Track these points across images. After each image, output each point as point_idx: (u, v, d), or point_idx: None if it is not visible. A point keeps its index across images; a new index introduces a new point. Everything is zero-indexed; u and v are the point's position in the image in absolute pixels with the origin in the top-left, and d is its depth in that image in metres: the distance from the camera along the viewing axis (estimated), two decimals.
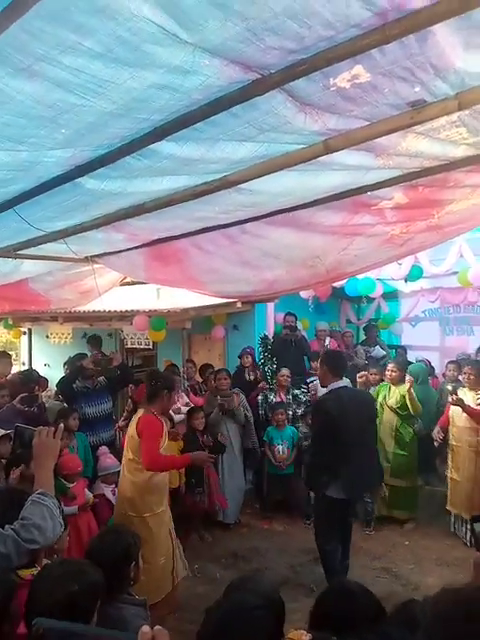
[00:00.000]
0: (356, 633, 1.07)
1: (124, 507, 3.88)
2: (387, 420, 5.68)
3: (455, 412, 5.34)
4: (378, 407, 5.61)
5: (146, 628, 0.95)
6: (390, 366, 5.84)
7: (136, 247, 3.77)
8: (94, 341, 7.09)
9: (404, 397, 5.56)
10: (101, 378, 5.56)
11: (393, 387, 5.72)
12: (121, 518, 3.83)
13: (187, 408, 5.74)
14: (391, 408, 5.65)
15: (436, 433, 5.56)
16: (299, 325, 7.62)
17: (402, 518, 5.68)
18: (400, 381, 5.77)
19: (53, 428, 2.16)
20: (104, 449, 4.91)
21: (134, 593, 2.47)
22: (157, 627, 0.98)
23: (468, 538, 5.12)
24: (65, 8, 1.30)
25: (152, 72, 1.59)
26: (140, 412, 4.01)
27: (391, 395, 5.69)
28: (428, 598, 1.36)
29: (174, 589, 3.97)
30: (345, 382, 4.27)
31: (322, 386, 4.46)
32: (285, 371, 6.37)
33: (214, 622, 1.53)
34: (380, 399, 5.73)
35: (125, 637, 0.96)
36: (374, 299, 8.51)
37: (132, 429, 3.91)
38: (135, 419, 3.97)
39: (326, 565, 4.27)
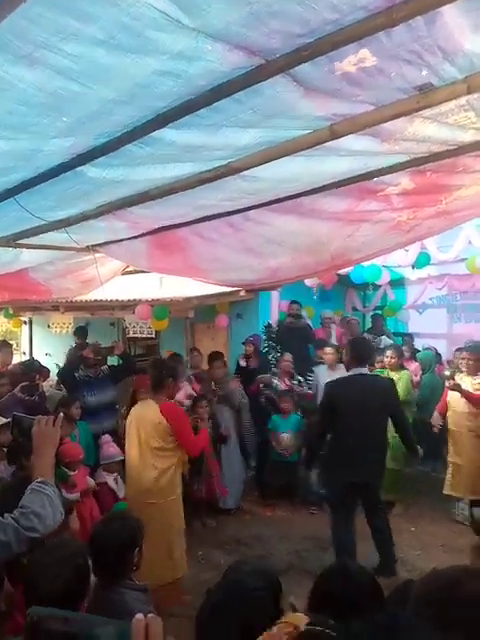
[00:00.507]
0: (358, 615, 1.08)
1: (144, 496, 3.88)
2: None
3: (453, 397, 5.38)
4: None
5: (140, 616, 0.96)
6: (389, 352, 5.89)
7: (138, 236, 3.76)
8: (80, 332, 7.12)
9: (399, 380, 5.59)
10: (104, 367, 5.57)
11: (391, 372, 5.73)
12: (141, 506, 3.76)
13: (189, 400, 5.73)
14: None
15: (435, 418, 5.58)
16: (304, 313, 7.60)
17: (389, 500, 5.66)
18: (399, 367, 5.82)
19: (52, 417, 2.14)
20: (107, 437, 4.92)
21: (135, 578, 2.50)
22: (150, 615, 0.99)
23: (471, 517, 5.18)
24: None
25: (155, 58, 1.57)
26: (149, 402, 4.01)
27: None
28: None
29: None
30: (364, 369, 4.34)
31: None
32: (288, 356, 6.37)
33: (213, 603, 1.54)
34: None
35: (118, 624, 0.96)
36: (380, 286, 8.45)
37: (154, 417, 3.89)
38: (149, 407, 3.97)
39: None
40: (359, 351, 4.39)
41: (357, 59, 1.64)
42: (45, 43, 1.45)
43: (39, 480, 1.98)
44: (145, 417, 3.97)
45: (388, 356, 5.87)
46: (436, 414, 5.60)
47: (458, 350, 6.81)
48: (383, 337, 7.96)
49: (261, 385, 6.28)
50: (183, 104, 1.85)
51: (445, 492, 5.47)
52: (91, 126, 1.96)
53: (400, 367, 5.92)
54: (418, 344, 7.95)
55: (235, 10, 1.38)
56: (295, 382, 6.35)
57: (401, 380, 5.70)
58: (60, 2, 1.30)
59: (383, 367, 5.98)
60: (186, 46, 1.52)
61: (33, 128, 1.94)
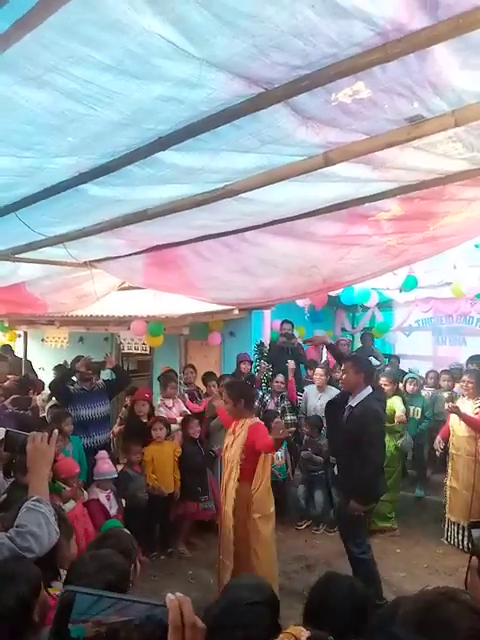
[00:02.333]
0: (356, 632, 1.10)
1: (245, 512, 4.00)
2: None
3: (454, 421, 5.39)
4: None
5: (171, 595, 0.92)
6: (383, 379, 5.87)
7: (135, 253, 3.81)
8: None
9: (393, 411, 5.61)
10: (99, 381, 5.59)
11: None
12: (245, 521, 3.98)
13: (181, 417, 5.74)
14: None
15: (437, 443, 5.59)
16: (295, 333, 7.67)
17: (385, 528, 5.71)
18: (392, 394, 5.82)
19: (47, 433, 2.13)
20: (103, 454, 4.89)
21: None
22: (179, 594, 0.95)
23: (465, 544, 5.17)
24: (78, 22, 1.34)
25: (159, 84, 1.64)
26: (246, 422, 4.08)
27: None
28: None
29: None
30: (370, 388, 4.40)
31: (348, 390, 4.46)
32: (280, 377, 6.42)
33: (213, 617, 1.55)
34: None
35: (154, 603, 0.94)
36: (369, 308, 8.59)
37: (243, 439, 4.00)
38: (244, 429, 4.04)
39: (375, 576, 4.22)
40: (369, 370, 4.47)
41: (352, 91, 1.73)
42: (54, 67, 1.51)
43: (34, 498, 1.97)
44: (240, 439, 4.04)
45: (383, 383, 5.80)
46: (438, 438, 5.61)
47: (444, 372, 6.92)
48: (370, 358, 8.03)
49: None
50: (185, 128, 1.92)
51: (446, 515, 5.46)
52: (95, 146, 2.03)
53: (394, 393, 5.89)
54: (404, 366, 8.05)
55: (239, 42, 1.45)
56: (283, 404, 6.39)
57: (395, 404, 5.71)
58: (72, 29, 1.37)
59: None
60: (190, 74, 1.60)
61: (38, 146, 2.00)
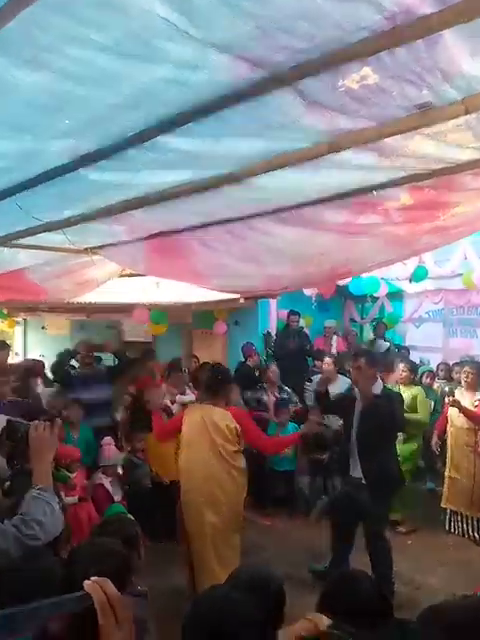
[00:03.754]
0: (373, 622, 1.10)
1: (239, 494, 4.10)
2: None
3: (453, 412, 5.38)
4: None
5: (88, 582, 0.94)
6: (402, 366, 5.81)
7: (137, 239, 3.77)
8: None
9: (415, 398, 5.56)
10: (101, 366, 5.62)
11: (404, 388, 5.68)
12: (238, 506, 4.11)
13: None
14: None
15: (434, 444, 5.57)
16: (302, 322, 7.62)
17: (399, 519, 5.69)
18: (410, 382, 5.76)
19: (49, 422, 2.13)
20: (108, 440, 4.94)
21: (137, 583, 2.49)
22: (95, 577, 0.97)
23: (471, 534, 5.24)
24: (74, 1, 1.30)
25: (160, 66, 1.59)
26: (211, 408, 4.06)
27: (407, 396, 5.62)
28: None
29: None
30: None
31: (363, 389, 4.37)
32: (273, 367, 6.36)
33: (193, 611, 1.55)
34: None
35: (71, 596, 0.93)
36: (378, 298, 8.51)
37: (227, 422, 3.98)
38: (216, 413, 4.02)
39: (389, 561, 4.31)
40: (379, 364, 4.60)
41: (360, 76, 1.67)
42: (51, 47, 1.47)
43: (39, 487, 1.96)
44: (217, 423, 3.98)
45: (401, 370, 5.74)
46: (435, 439, 5.59)
47: (457, 364, 6.85)
48: (379, 340, 7.96)
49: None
50: (187, 111, 1.88)
51: (442, 505, 5.49)
52: (94, 130, 1.99)
53: (411, 382, 5.81)
54: (414, 357, 7.98)
55: (242, 24, 1.40)
56: (285, 395, 6.36)
57: (417, 399, 5.63)
58: (68, 8, 1.32)
59: (396, 383, 5.85)
60: (192, 56, 1.55)
61: (36, 129, 1.97)
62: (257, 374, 6.76)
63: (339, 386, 5.60)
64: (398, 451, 5.45)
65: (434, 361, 7.68)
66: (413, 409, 5.57)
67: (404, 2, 1.33)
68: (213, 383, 4.14)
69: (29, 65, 1.53)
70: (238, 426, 3.99)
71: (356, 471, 4.38)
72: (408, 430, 5.54)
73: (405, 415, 5.41)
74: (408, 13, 1.37)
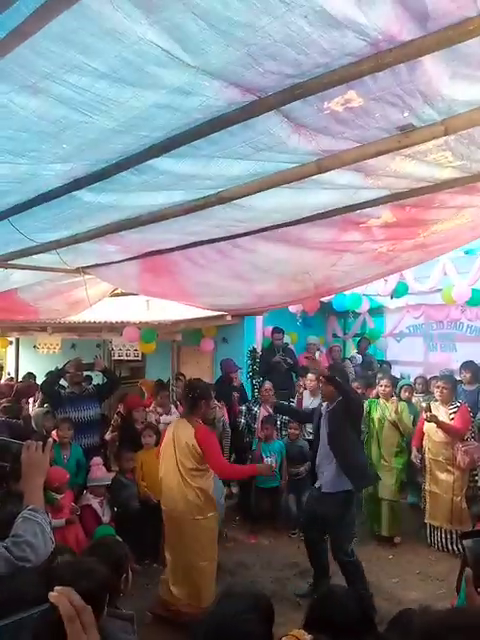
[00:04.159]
0: (357, 638, 1.12)
1: (191, 513, 3.98)
2: (388, 436, 5.67)
3: (430, 427, 5.39)
4: (375, 423, 5.69)
5: (53, 593, 0.99)
6: (383, 382, 5.86)
7: (128, 259, 3.81)
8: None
9: (401, 413, 5.64)
10: (90, 386, 5.61)
11: (387, 403, 5.75)
12: (186, 525, 3.98)
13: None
14: (392, 423, 5.65)
15: (414, 457, 5.59)
16: (287, 339, 7.69)
17: (391, 534, 5.71)
18: (392, 397, 5.83)
19: (41, 442, 2.12)
20: (97, 460, 4.91)
21: (121, 607, 2.46)
22: (59, 587, 1.01)
23: (452, 549, 5.21)
24: (73, 30, 1.35)
25: (154, 92, 1.66)
26: (185, 423, 4.09)
27: (390, 410, 5.69)
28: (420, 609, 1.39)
29: None
30: None
31: (328, 400, 4.53)
32: (268, 385, 6.41)
33: (205, 630, 1.55)
34: (376, 415, 5.73)
35: (35, 611, 0.98)
36: (360, 314, 8.64)
37: (187, 439, 4.00)
38: (185, 429, 4.05)
39: (361, 576, 4.29)
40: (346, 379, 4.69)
41: (344, 100, 1.75)
42: (50, 74, 1.52)
43: (30, 508, 1.95)
44: (181, 438, 4.04)
45: (382, 385, 5.79)
46: (414, 451, 5.59)
47: (433, 378, 6.95)
48: (355, 355, 8.04)
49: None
50: (179, 135, 1.94)
51: (425, 520, 5.50)
52: (90, 153, 2.04)
53: (393, 396, 5.89)
54: (395, 372, 8.08)
55: (233, 51, 1.48)
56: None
57: (403, 413, 5.70)
58: (67, 37, 1.38)
59: (377, 397, 5.91)
60: (185, 82, 1.62)
61: (32, 154, 2.01)
62: (240, 393, 6.80)
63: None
64: (393, 464, 5.62)
65: (415, 375, 7.79)
66: (402, 420, 5.65)
67: (387, 30, 1.42)
68: (187, 399, 4.21)
69: (28, 91, 1.58)
70: (197, 445, 3.95)
71: (318, 482, 4.52)
72: (398, 444, 5.65)
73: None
74: (390, 40, 1.46)
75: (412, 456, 5.62)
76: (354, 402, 4.45)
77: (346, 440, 4.41)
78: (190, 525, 3.96)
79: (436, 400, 5.51)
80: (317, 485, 4.52)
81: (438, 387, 5.50)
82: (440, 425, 5.24)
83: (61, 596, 0.98)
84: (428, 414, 5.25)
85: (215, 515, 4.09)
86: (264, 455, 5.94)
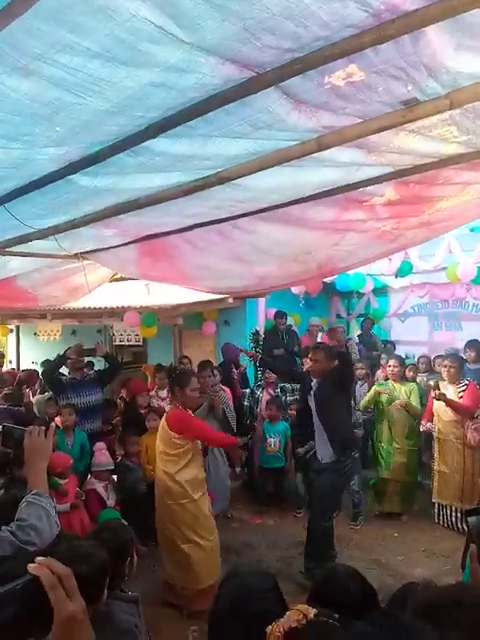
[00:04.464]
0: (360, 615, 1.13)
1: (163, 497, 4.10)
2: (399, 418, 5.68)
3: (439, 406, 5.39)
4: (385, 405, 5.70)
5: (32, 564, 0.99)
6: (392, 362, 5.84)
7: (127, 243, 3.77)
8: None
9: (411, 394, 5.66)
10: (92, 372, 5.62)
11: (397, 385, 5.75)
12: (162, 508, 4.10)
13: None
14: (403, 405, 5.65)
15: (428, 427, 5.57)
16: (290, 320, 7.65)
17: (400, 512, 5.77)
18: (401, 378, 5.83)
19: (44, 427, 2.12)
20: (100, 445, 4.94)
21: (127, 588, 2.48)
22: (40, 558, 1.02)
23: (459, 526, 5.22)
24: (63, 8, 1.30)
25: (148, 71, 1.60)
26: (171, 409, 4.28)
27: (400, 393, 5.69)
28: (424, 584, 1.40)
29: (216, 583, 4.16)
30: None
31: (319, 377, 4.58)
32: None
33: (225, 604, 1.54)
34: (384, 398, 5.73)
35: (17, 583, 0.97)
36: (364, 294, 8.58)
37: (162, 423, 4.17)
38: (165, 416, 4.25)
39: (328, 543, 4.47)
40: (337, 356, 4.70)
41: (346, 74, 1.69)
42: (41, 55, 1.47)
43: (34, 492, 1.95)
44: (161, 424, 4.22)
45: (391, 365, 5.78)
46: (428, 424, 5.57)
47: (439, 357, 6.91)
48: (349, 343, 8.02)
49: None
50: (175, 115, 1.88)
51: (433, 500, 5.51)
52: (84, 136, 1.99)
53: (403, 377, 5.86)
54: (400, 351, 8.04)
55: (229, 26, 1.42)
56: (277, 390, 6.41)
57: (413, 394, 5.71)
58: (57, 16, 1.33)
59: (386, 379, 5.90)
60: (180, 59, 1.56)
61: (26, 137, 1.96)
62: (241, 376, 6.82)
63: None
64: (405, 445, 5.66)
65: (419, 355, 7.76)
66: (411, 405, 5.65)
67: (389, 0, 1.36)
68: (170, 385, 4.36)
69: (19, 73, 1.53)
70: (171, 432, 4.02)
71: (318, 454, 4.63)
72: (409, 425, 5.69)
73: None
74: (392, 10, 1.40)
75: (427, 426, 5.58)
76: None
77: (335, 414, 4.51)
78: (165, 508, 4.07)
79: (443, 379, 5.48)
80: (318, 457, 4.64)
81: (445, 366, 5.46)
82: (449, 403, 5.22)
83: (40, 566, 0.98)
84: (437, 392, 5.24)
85: (193, 502, 4.07)
86: (268, 436, 6.00)
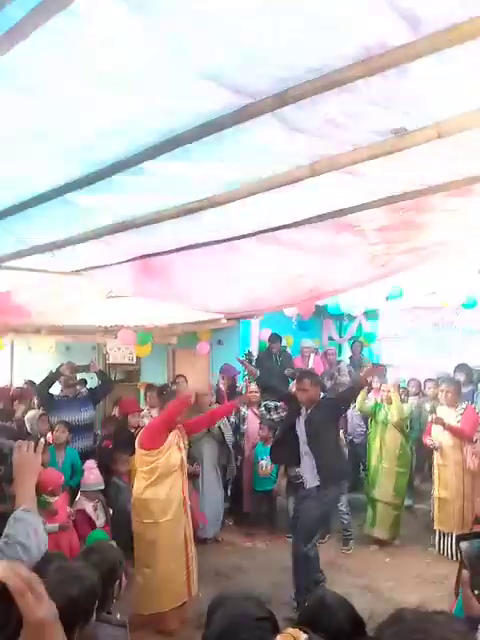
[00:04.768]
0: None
1: (134, 512, 4.21)
2: (392, 438, 5.67)
3: (438, 431, 5.38)
4: (379, 425, 5.70)
5: None
6: (384, 386, 5.86)
7: (123, 261, 3.80)
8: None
9: (407, 416, 5.69)
10: (84, 389, 5.62)
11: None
12: (135, 524, 4.21)
13: None
14: (395, 426, 5.65)
15: (430, 441, 5.51)
16: (283, 342, 7.68)
17: (387, 538, 5.70)
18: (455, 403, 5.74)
19: (33, 442, 2.10)
20: (90, 464, 4.89)
21: (114, 610, 2.46)
22: (4, 562, 1.03)
23: (453, 553, 5.17)
24: (66, 33, 1.36)
25: (146, 95, 1.66)
26: None
27: (392, 413, 5.68)
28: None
29: (188, 602, 4.16)
30: None
31: (309, 405, 4.58)
32: (253, 387, 6.42)
33: (216, 632, 1.54)
34: (381, 417, 5.74)
35: None
36: (356, 317, 8.65)
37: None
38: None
39: (313, 568, 4.43)
40: (322, 383, 4.96)
41: (338, 103, 1.76)
42: (43, 77, 1.53)
43: (22, 509, 1.92)
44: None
45: (384, 390, 5.74)
46: (430, 440, 5.52)
47: (429, 380, 6.94)
48: (340, 366, 8.04)
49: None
50: (172, 138, 1.94)
51: (434, 527, 5.45)
52: (82, 156, 2.04)
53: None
54: (390, 375, 8.06)
55: (228, 54, 1.49)
56: (263, 410, 6.42)
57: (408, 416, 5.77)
58: (60, 40, 1.39)
59: (381, 401, 5.88)
60: (178, 85, 1.62)
61: (25, 155, 2.01)
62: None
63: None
64: (394, 467, 5.63)
65: (408, 378, 7.79)
66: (406, 425, 5.68)
67: (378, 35, 1.43)
68: (160, 403, 4.58)
69: (21, 92, 1.58)
70: (141, 449, 4.14)
71: (307, 483, 4.59)
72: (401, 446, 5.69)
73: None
74: (382, 45, 1.47)
75: (428, 441, 5.53)
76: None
77: (326, 443, 4.51)
78: (134, 525, 4.18)
79: (440, 403, 5.49)
80: (306, 486, 4.60)
81: (442, 391, 5.46)
82: (448, 427, 5.22)
83: (6, 571, 0.96)
84: (435, 417, 5.24)
85: (155, 525, 4.06)
86: (260, 458, 5.97)
